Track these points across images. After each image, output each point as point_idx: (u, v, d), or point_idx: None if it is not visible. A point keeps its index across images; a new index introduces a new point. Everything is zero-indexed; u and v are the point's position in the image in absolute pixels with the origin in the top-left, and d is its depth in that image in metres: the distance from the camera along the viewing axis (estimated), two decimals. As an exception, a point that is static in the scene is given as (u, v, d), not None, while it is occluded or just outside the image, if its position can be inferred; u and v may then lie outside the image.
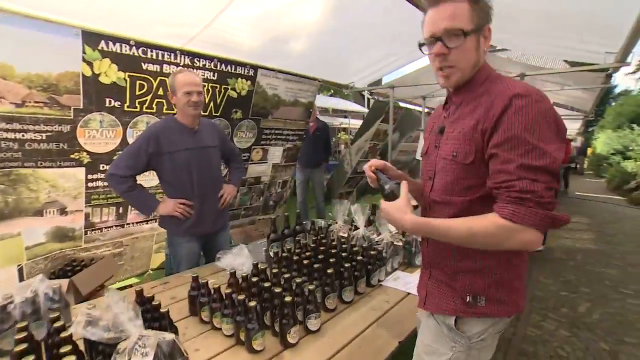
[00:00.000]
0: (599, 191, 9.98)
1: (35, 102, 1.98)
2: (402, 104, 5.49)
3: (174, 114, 2.55)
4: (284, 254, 1.68)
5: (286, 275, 1.45)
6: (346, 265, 1.55)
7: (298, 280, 1.36)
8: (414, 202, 1.08)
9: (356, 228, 2.06)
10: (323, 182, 5.30)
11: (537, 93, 0.84)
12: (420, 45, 0.99)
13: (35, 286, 1.32)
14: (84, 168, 2.31)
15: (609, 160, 12.64)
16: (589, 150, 15.44)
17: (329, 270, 1.46)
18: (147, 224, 2.91)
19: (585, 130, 14.20)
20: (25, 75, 1.91)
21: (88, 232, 2.55)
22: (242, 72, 2.88)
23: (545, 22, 2.34)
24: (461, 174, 0.95)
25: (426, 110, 5.25)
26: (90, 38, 2.03)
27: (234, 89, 2.89)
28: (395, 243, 1.94)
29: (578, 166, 13.53)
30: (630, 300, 3.28)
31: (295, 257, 1.62)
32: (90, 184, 2.39)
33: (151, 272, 3.25)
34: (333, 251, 1.71)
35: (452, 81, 0.96)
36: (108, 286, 2.52)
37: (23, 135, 2.00)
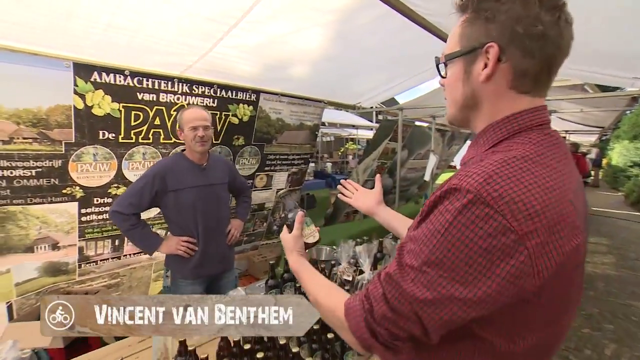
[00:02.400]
0: (616, 206, 9.62)
1: (24, 138, 1.89)
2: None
3: (172, 143, 2.47)
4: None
5: (282, 342, 1.30)
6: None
7: (294, 349, 1.22)
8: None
9: (361, 272, 1.91)
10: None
11: (484, 191, 0.53)
12: None
13: (4, 355, 1.20)
14: (76, 203, 2.21)
15: (626, 172, 12.20)
16: (604, 161, 15.00)
17: (329, 335, 1.31)
18: (144, 254, 2.80)
19: (599, 140, 13.80)
20: (14, 112, 1.82)
21: (82, 265, 2.45)
22: (244, 98, 2.77)
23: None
24: None
25: (436, 127, 5.09)
26: (82, 70, 1.94)
27: (235, 115, 2.79)
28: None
29: (592, 179, 13.12)
30: (661, 340, 3.05)
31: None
32: (83, 218, 2.28)
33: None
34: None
35: (447, 118, 0.76)
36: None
37: (11, 173, 1.91)
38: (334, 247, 2.23)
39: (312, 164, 11.33)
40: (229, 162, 2.33)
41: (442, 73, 0.71)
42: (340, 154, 16.31)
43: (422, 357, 0.67)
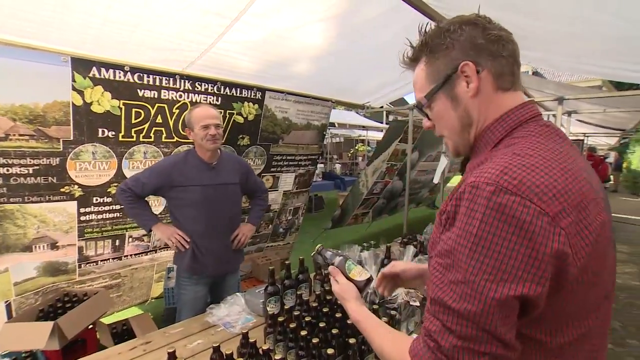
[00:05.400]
0: (637, 212, 9.23)
1: (20, 134, 1.84)
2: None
3: (174, 142, 2.40)
4: (278, 318, 1.44)
5: (278, 358, 1.21)
6: (351, 341, 1.29)
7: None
8: None
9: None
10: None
11: (504, 181, 0.55)
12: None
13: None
14: (75, 202, 2.16)
15: (647, 177, 11.75)
16: (624, 165, 14.48)
17: (329, 351, 1.20)
18: (146, 255, 2.74)
19: (619, 144, 13.34)
20: (9, 107, 1.77)
21: (82, 265, 2.40)
22: (249, 96, 2.70)
23: (584, 42, 2.04)
24: None
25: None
26: (81, 65, 1.89)
27: (239, 114, 2.71)
28: (411, 303, 1.67)
29: (611, 183, 12.69)
30: (689, 357, 2.84)
31: (291, 324, 1.38)
32: (83, 218, 2.23)
33: (153, 300, 3.10)
34: (337, 315, 1.45)
35: (452, 152, 0.77)
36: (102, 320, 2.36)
37: (7, 170, 1.87)
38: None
39: (321, 165, 11.24)
40: (243, 162, 2.27)
41: (430, 116, 0.76)
42: (350, 155, 16.17)
43: None
